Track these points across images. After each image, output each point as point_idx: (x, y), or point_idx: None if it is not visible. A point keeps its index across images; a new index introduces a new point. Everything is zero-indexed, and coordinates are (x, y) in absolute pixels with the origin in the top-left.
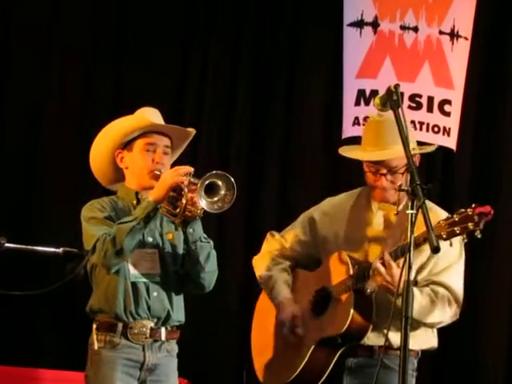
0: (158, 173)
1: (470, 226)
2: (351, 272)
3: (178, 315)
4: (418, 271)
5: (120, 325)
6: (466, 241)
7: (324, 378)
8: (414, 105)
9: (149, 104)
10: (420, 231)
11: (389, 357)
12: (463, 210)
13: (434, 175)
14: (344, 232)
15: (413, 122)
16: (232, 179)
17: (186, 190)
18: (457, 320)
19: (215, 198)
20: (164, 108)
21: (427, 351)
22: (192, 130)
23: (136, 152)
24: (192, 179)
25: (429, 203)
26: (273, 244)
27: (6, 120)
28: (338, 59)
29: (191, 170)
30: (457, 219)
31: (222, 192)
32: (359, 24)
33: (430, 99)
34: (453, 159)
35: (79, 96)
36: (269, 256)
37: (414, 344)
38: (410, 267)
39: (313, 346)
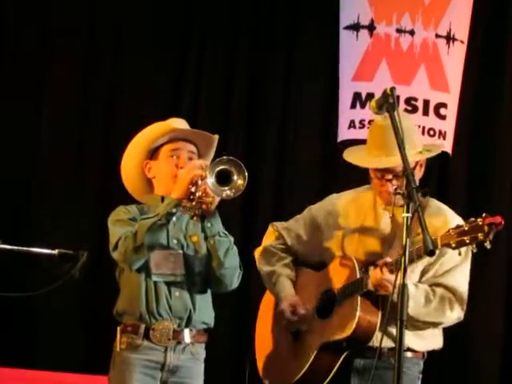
0: None
1: (480, 236)
2: (358, 275)
3: (202, 316)
4: (424, 273)
5: (142, 326)
6: (475, 251)
7: (327, 381)
8: (409, 108)
9: (145, 102)
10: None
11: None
12: (473, 219)
13: (430, 179)
14: (350, 233)
15: None
16: (242, 164)
17: (200, 182)
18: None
19: (227, 187)
20: (160, 106)
21: (434, 352)
22: (215, 136)
23: (161, 159)
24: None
25: (437, 203)
26: (275, 237)
27: (1, 122)
28: (334, 62)
29: (206, 163)
30: (466, 228)
31: (234, 178)
32: (355, 27)
33: (426, 102)
34: (448, 162)
35: (76, 96)
36: (271, 249)
37: (420, 345)
38: (404, 270)
39: (317, 349)
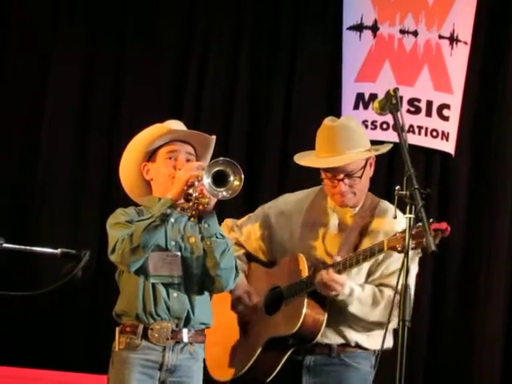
0: None
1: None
2: (306, 274)
3: (201, 317)
4: (370, 273)
5: (141, 326)
6: (420, 255)
7: (272, 377)
8: (412, 109)
9: (147, 103)
10: (378, 240)
11: (347, 355)
12: (420, 224)
13: (432, 180)
14: (300, 233)
15: (411, 126)
16: (238, 166)
17: (196, 183)
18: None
19: (223, 188)
20: (162, 108)
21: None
22: (213, 136)
23: (159, 161)
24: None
25: (385, 204)
26: (228, 231)
27: (2, 121)
28: (337, 63)
29: (203, 165)
30: (413, 233)
31: (231, 179)
32: (359, 28)
33: (429, 103)
34: (451, 164)
35: (77, 97)
36: None
37: (368, 343)
38: (407, 271)
39: (263, 345)
